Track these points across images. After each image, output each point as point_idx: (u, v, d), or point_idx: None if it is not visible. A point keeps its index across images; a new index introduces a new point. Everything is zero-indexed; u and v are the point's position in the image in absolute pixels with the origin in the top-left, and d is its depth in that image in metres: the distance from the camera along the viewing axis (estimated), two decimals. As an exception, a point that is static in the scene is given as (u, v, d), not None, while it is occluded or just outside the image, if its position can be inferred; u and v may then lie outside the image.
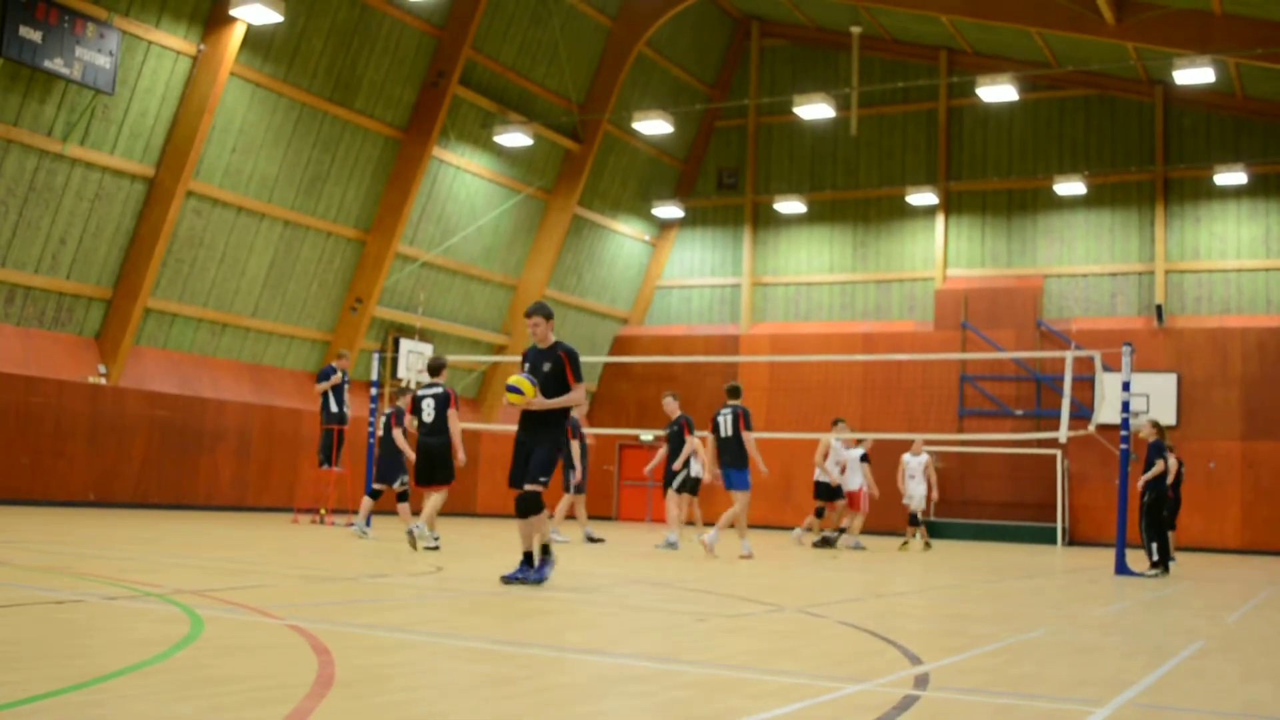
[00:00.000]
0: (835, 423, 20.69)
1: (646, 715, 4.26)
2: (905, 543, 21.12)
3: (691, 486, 17.73)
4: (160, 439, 21.91)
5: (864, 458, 20.52)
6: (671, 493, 17.59)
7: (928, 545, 21.27)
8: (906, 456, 21.22)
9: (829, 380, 29.79)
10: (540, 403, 9.31)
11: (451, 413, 13.45)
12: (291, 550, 12.46)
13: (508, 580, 9.23)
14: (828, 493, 20.34)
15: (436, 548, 13.33)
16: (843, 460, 20.52)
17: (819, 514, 20.51)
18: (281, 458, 24.02)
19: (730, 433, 15.17)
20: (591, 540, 17.91)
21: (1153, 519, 15.80)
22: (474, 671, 5.10)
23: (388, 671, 4.87)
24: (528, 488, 9.30)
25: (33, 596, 6.95)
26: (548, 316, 9.60)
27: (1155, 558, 15.62)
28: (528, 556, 9.34)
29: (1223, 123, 28.96)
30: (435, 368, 13.83)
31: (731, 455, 15.19)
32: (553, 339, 9.65)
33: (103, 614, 6.37)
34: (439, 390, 13.61)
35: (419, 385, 15.26)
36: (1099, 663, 6.27)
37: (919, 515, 21.14)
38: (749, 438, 15.13)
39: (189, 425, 22.40)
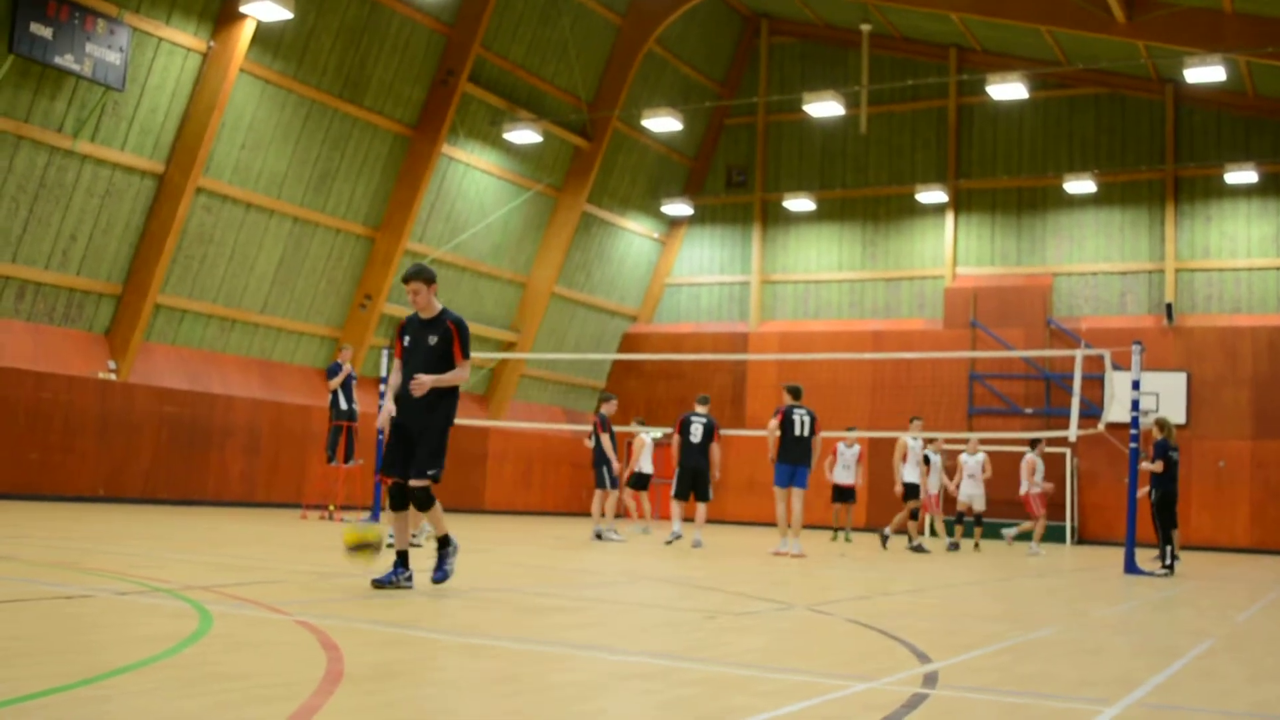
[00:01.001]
0: (913, 420, 20.43)
1: (653, 712, 4.26)
2: (976, 543, 21.35)
3: (640, 482, 18.96)
4: (169, 435, 21.96)
5: (926, 459, 20.26)
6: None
7: (955, 546, 21.24)
8: (964, 456, 21.24)
9: (838, 379, 29.77)
10: (431, 379, 8.01)
11: None
12: (300, 546, 12.47)
13: (380, 584, 8.03)
14: (918, 493, 19.82)
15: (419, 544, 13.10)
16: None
17: (914, 515, 19.81)
18: (290, 453, 24.05)
19: (808, 433, 16.05)
20: (600, 538, 17.91)
21: (1162, 518, 15.77)
22: (481, 668, 5.10)
23: (396, 668, 4.87)
24: (414, 483, 8.05)
25: (41, 591, 6.96)
26: (429, 281, 8.25)
27: (1168, 561, 15.57)
28: (402, 556, 8.17)
29: (1233, 121, 28.87)
30: None
31: (805, 455, 16.07)
32: (438, 306, 8.32)
33: (111, 609, 6.38)
34: None
35: None
36: (1107, 662, 6.26)
37: (980, 515, 21.12)
38: (820, 440, 16.36)
39: (198, 421, 22.44)
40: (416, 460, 8.05)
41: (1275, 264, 28.18)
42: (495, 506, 28.57)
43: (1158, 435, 15.82)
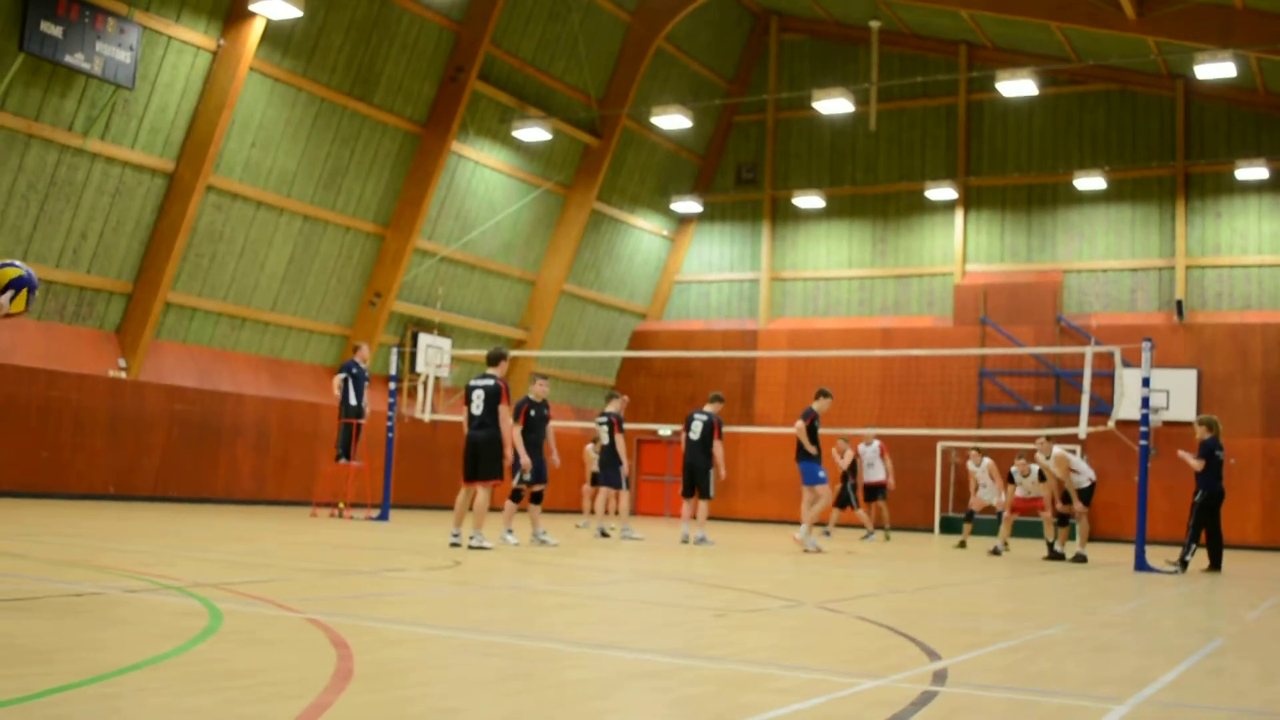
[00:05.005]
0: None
1: (664, 710, 4.26)
2: (971, 542, 21.15)
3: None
4: (179, 433, 22.00)
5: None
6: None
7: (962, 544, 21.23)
8: (970, 464, 21.17)
9: (847, 376, 29.74)
10: None
11: (503, 408, 12.85)
12: (310, 544, 12.49)
13: None
14: (1085, 494, 17.34)
15: (488, 548, 12.73)
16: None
17: (1065, 521, 17.57)
18: (300, 451, 24.09)
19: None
20: (605, 535, 17.92)
21: (1200, 517, 15.65)
22: (491, 666, 5.10)
23: (405, 665, 4.88)
24: None
25: (51, 589, 6.98)
26: None
27: (1188, 556, 15.49)
28: None
29: (1244, 117, 28.78)
30: (493, 358, 13.30)
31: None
32: None
33: (121, 607, 6.39)
34: (490, 382, 13.01)
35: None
36: (1117, 660, 6.24)
37: (974, 513, 20.99)
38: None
39: (208, 419, 22.48)
40: None
41: (1286, 261, 28.08)
42: (498, 503, 28.54)
43: (1205, 434, 15.68)
